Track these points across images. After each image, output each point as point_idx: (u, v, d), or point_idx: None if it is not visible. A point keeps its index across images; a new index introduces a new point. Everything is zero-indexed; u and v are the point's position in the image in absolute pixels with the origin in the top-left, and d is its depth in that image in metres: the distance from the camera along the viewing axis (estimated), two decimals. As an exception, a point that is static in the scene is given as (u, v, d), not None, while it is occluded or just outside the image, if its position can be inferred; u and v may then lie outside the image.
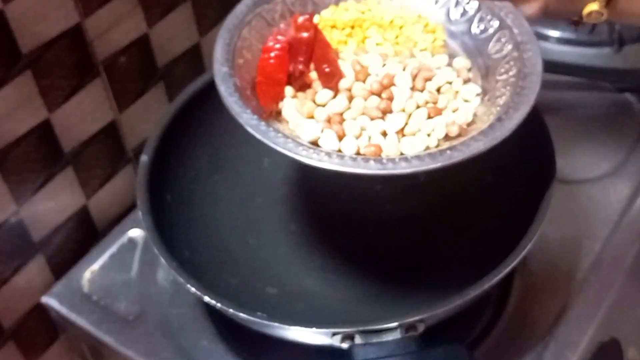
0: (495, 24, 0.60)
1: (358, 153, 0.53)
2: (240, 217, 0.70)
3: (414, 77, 0.57)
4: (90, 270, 0.71)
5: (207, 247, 0.66)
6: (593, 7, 0.57)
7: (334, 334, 0.52)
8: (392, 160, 0.51)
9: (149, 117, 0.76)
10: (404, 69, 0.58)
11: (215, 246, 0.66)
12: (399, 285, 0.65)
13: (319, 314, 0.63)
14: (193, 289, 0.56)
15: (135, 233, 0.74)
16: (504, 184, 0.67)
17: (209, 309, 0.67)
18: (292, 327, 0.55)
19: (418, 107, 0.56)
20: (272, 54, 0.58)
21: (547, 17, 0.59)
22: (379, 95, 0.56)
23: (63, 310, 0.69)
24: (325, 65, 0.57)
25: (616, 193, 0.73)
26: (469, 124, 0.55)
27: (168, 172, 0.65)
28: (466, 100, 0.57)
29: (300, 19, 0.59)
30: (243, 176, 0.72)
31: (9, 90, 0.62)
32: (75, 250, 0.74)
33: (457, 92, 0.57)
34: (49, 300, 0.70)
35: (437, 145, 0.54)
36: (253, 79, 0.58)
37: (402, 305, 0.62)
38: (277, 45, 0.58)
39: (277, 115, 0.56)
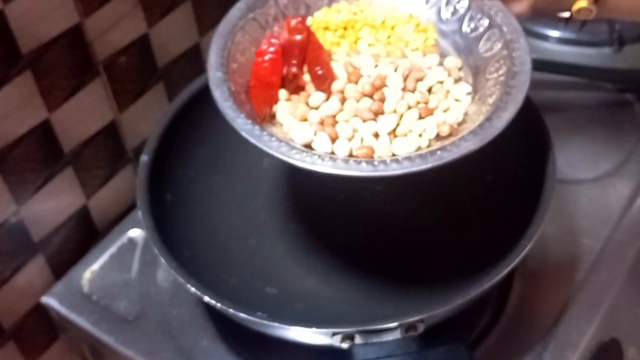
0: (485, 22, 0.60)
1: (351, 155, 0.53)
2: (240, 217, 0.70)
3: (405, 78, 0.57)
4: (90, 270, 0.71)
5: (207, 247, 0.66)
6: (582, 3, 0.57)
7: (334, 334, 0.52)
8: (383, 161, 0.51)
9: (149, 117, 0.76)
10: (395, 70, 0.58)
11: (215, 246, 0.66)
12: (399, 285, 0.65)
13: (319, 314, 0.63)
14: (193, 289, 0.56)
15: (135, 233, 0.74)
16: (504, 184, 0.67)
17: (209, 309, 0.67)
18: (292, 327, 0.55)
19: (409, 108, 0.56)
20: (266, 57, 0.58)
21: (536, 14, 0.59)
22: (371, 96, 0.57)
23: (63, 310, 0.69)
24: (318, 68, 0.57)
25: (616, 193, 0.73)
26: (459, 123, 0.56)
27: (168, 172, 0.65)
28: (457, 100, 0.57)
29: (293, 22, 0.59)
30: (243, 176, 0.72)
31: (9, 90, 0.62)
32: (75, 250, 0.74)
33: (448, 91, 0.57)
34: (49, 300, 0.70)
35: (429, 145, 0.54)
36: (247, 83, 0.58)
37: (402, 305, 0.62)
38: (271, 49, 0.58)
39: (272, 118, 0.56)
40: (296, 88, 0.58)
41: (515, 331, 0.64)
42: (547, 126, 0.63)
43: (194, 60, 0.80)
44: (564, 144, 0.76)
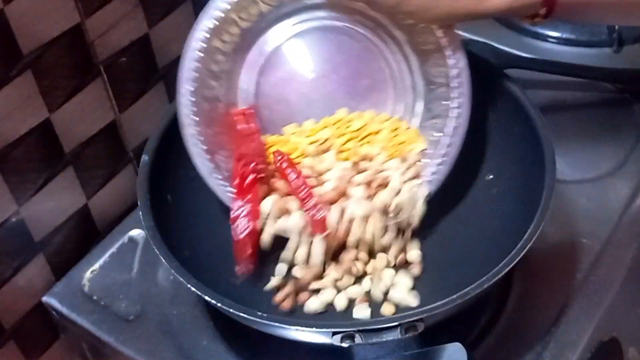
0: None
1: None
2: (241, 217, 0.70)
3: (369, 184, 0.64)
4: (90, 270, 0.72)
5: (207, 247, 0.66)
6: None
7: (334, 334, 0.53)
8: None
9: (149, 117, 0.76)
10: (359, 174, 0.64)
11: (216, 246, 0.66)
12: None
13: (319, 313, 0.63)
14: (193, 289, 0.56)
15: (136, 233, 0.74)
16: (504, 184, 0.67)
17: (210, 309, 0.67)
18: (292, 327, 0.55)
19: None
20: (240, 235, 0.61)
21: None
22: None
23: (63, 310, 0.69)
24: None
25: (616, 193, 0.73)
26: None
27: (168, 172, 0.65)
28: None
29: (240, 127, 0.64)
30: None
31: (9, 90, 0.62)
32: (76, 250, 0.74)
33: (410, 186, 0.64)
34: (49, 299, 0.70)
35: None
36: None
37: (401, 305, 0.63)
38: (244, 223, 0.62)
39: None
40: (269, 190, 0.63)
41: (515, 331, 0.64)
42: (547, 126, 0.63)
43: (195, 60, 0.80)
44: (564, 144, 0.76)
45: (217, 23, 0.62)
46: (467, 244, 0.66)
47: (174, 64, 0.77)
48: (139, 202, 0.61)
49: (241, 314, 0.55)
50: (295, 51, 0.65)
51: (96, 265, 0.72)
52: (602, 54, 0.88)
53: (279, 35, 0.65)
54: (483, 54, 0.70)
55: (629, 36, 0.88)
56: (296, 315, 0.62)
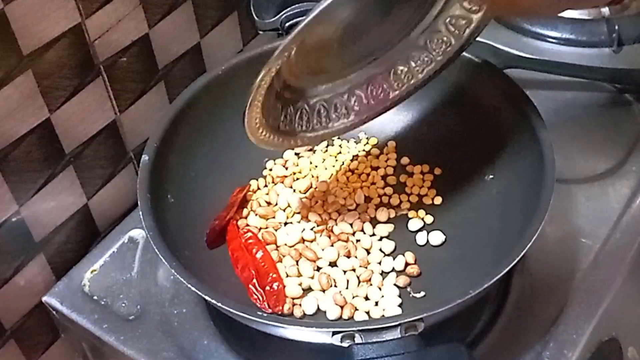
0: None
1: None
2: (241, 217, 0.71)
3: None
4: (91, 270, 0.72)
5: (207, 247, 0.66)
6: None
7: (334, 334, 0.53)
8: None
9: (149, 117, 0.76)
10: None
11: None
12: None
13: (319, 313, 0.63)
14: (193, 289, 0.56)
15: (136, 233, 0.74)
16: (503, 183, 0.67)
17: (210, 309, 0.67)
18: (292, 327, 0.55)
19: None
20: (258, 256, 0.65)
21: None
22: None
23: (64, 309, 0.69)
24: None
25: (615, 193, 0.73)
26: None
27: (168, 172, 0.65)
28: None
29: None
30: (243, 176, 0.72)
31: (10, 90, 0.62)
32: (76, 250, 0.74)
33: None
34: (50, 299, 0.70)
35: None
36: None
37: (402, 305, 0.63)
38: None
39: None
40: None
41: (514, 330, 0.64)
42: (547, 126, 0.63)
43: (195, 60, 0.80)
44: (564, 144, 0.76)
45: None
46: (467, 243, 0.66)
47: (175, 64, 0.78)
48: (139, 202, 0.61)
49: (241, 314, 0.55)
50: None
51: (96, 265, 0.72)
52: (602, 54, 0.88)
53: None
54: (483, 54, 0.70)
55: (629, 36, 0.88)
56: (296, 316, 0.63)
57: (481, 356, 0.62)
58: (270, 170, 0.73)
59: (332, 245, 0.66)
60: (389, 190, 0.71)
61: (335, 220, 0.69)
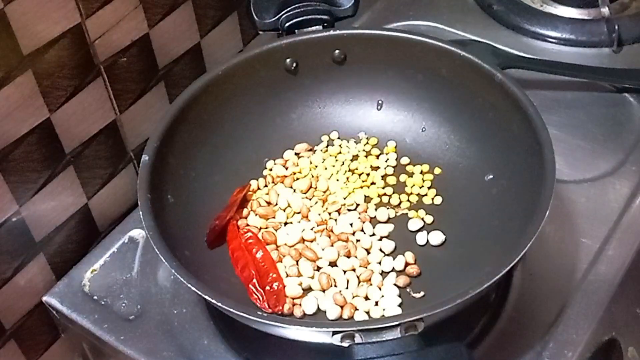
0: None
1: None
2: (241, 217, 0.71)
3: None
4: (91, 270, 0.72)
5: (207, 247, 0.66)
6: None
7: (334, 333, 0.53)
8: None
9: (149, 117, 0.77)
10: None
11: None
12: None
13: (319, 313, 0.63)
14: (193, 289, 0.56)
15: (136, 233, 0.74)
16: (503, 183, 0.67)
17: (210, 309, 0.67)
18: (292, 327, 0.55)
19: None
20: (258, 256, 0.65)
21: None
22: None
23: (64, 309, 0.69)
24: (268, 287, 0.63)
25: (615, 193, 0.73)
26: None
27: (168, 172, 0.65)
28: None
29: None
30: (243, 176, 0.72)
31: (10, 90, 0.62)
32: (76, 250, 0.74)
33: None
34: (50, 299, 0.70)
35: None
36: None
37: (401, 305, 0.63)
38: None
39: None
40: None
41: (514, 330, 0.64)
42: (547, 126, 0.63)
43: (195, 60, 0.80)
44: (563, 144, 0.77)
45: None
46: (467, 243, 0.66)
47: (175, 64, 0.78)
48: (139, 202, 0.61)
49: (241, 314, 0.55)
50: None
51: (96, 265, 0.72)
52: (602, 54, 0.88)
53: None
54: (483, 54, 0.70)
55: (629, 36, 0.88)
56: (296, 316, 0.63)
57: (481, 356, 0.62)
58: (270, 170, 0.73)
59: (332, 245, 0.66)
60: (389, 190, 0.71)
61: (335, 220, 0.69)
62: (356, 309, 0.62)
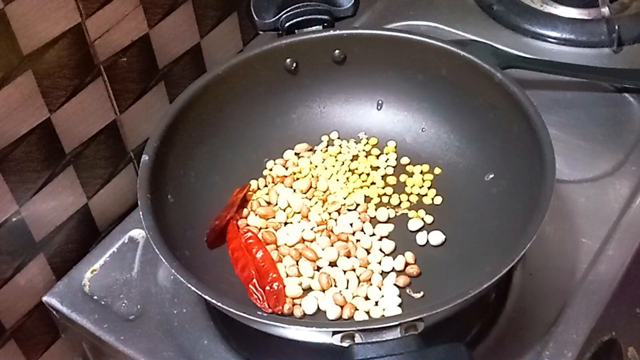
0: None
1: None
2: (241, 217, 0.71)
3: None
4: (91, 270, 0.72)
5: (207, 247, 0.66)
6: None
7: (334, 333, 0.53)
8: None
9: (149, 117, 0.77)
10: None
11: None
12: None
13: (319, 313, 0.63)
14: (193, 289, 0.56)
15: (136, 233, 0.74)
16: (504, 183, 0.67)
17: (210, 309, 0.67)
18: (292, 327, 0.55)
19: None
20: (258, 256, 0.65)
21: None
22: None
23: (64, 309, 0.69)
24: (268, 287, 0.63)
25: (615, 193, 0.73)
26: None
27: (168, 172, 0.65)
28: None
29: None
30: (243, 176, 0.72)
31: (10, 90, 0.62)
32: (77, 250, 0.74)
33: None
34: (50, 299, 0.70)
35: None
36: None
37: (401, 305, 0.63)
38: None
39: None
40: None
41: (514, 330, 0.64)
42: (547, 126, 0.63)
43: (195, 60, 0.80)
44: (563, 144, 0.77)
45: None
46: (467, 243, 0.66)
47: (175, 64, 0.78)
48: (139, 202, 0.61)
49: (241, 314, 0.55)
50: None
51: (97, 265, 0.72)
52: (602, 54, 0.88)
53: None
54: (483, 54, 0.70)
55: (629, 36, 0.88)
56: (296, 316, 0.63)
57: (481, 356, 0.62)
58: (270, 170, 0.73)
59: (332, 245, 0.66)
60: (389, 190, 0.71)
61: (335, 220, 0.69)
62: (356, 309, 0.62)
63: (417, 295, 0.63)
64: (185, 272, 0.57)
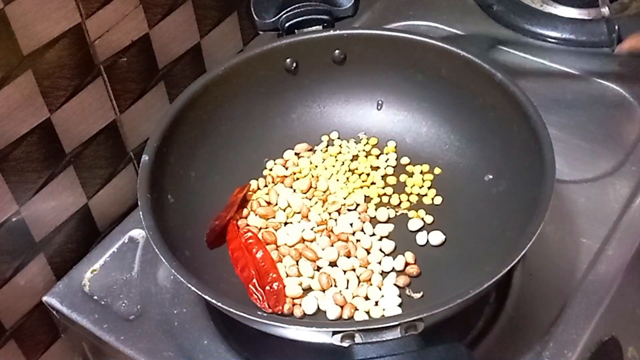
0: None
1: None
2: (241, 217, 0.71)
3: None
4: (91, 270, 0.72)
5: (207, 247, 0.66)
6: None
7: (334, 333, 0.53)
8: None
9: (149, 117, 0.77)
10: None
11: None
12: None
13: (319, 313, 0.63)
14: (193, 289, 0.56)
15: (136, 233, 0.74)
16: (504, 183, 0.67)
17: (210, 309, 0.67)
18: (292, 327, 0.55)
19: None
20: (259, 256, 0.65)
21: None
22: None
23: (64, 309, 0.69)
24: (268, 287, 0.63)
25: (615, 193, 0.73)
26: None
27: (168, 172, 0.65)
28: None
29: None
30: (243, 176, 0.72)
31: (10, 90, 0.62)
32: (77, 250, 0.74)
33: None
34: (50, 299, 0.70)
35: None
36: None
37: (401, 305, 0.63)
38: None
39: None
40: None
41: (514, 330, 0.64)
42: (547, 126, 0.63)
43: (195, 60, 0.80)
44: (563, 144, 0.77)
45: None
46: (467, 243, 0.66)
47: (175, 64, 0.78)
48: (139, 202, 0.61)
49: (241, 314, 0.55)
50: None
51: (97, 265, 0.72)
52: (602, 54, 0.88)
53: None
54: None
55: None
56: (296, 316, 0.63)
57: (481, 356, 0.62)
58: (270, 170, 0.73)
59: (332, 245, 0.66)
60: (389, 190, 0.71)
61: (335, 220, 0.69)
62: (356, 309, 0.62)
63: (417, 296, 0.63)
64: (185, 272, 0.57)
